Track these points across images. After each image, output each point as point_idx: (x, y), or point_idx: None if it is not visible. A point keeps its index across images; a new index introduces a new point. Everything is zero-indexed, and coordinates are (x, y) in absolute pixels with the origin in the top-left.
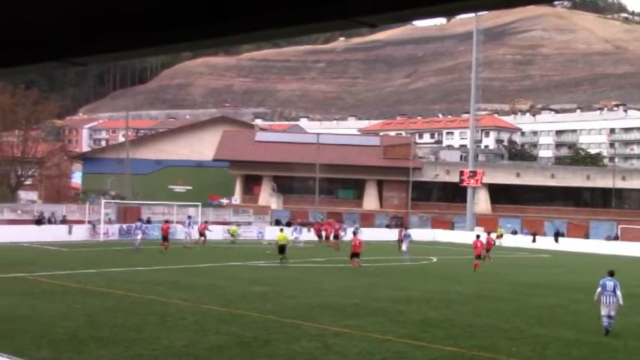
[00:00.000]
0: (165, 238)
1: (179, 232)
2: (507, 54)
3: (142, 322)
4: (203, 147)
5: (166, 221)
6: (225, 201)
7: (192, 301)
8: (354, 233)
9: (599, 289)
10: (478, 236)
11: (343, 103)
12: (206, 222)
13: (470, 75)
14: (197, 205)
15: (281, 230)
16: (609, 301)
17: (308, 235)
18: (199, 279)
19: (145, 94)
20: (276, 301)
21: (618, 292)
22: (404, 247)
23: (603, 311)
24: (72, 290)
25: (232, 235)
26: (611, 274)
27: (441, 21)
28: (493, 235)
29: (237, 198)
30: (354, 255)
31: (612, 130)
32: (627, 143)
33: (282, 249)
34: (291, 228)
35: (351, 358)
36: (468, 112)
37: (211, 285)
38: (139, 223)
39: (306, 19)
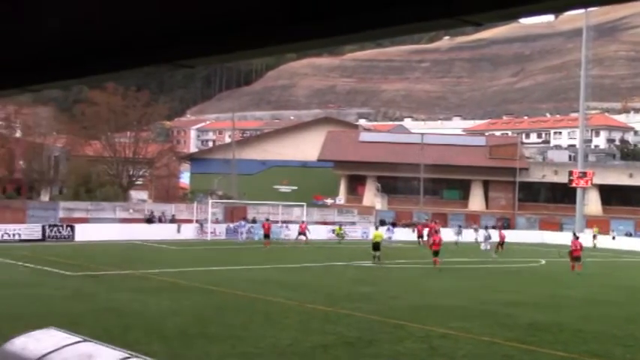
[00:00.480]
0: (267, 236)
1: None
2: (620, 50)
3: (247, 320)
4: (307, 147)
5: (267, 220)
6: (329, 201)
7: (297, 300)
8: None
9: None
10: (577, 237)
11: (448, 103)
12: (303, 222)
13: (579, 73)
14: (302, 205)
15: (376, 228)
16: None
17: (412, 235)
18: (304, 278)
19: (250, 96)
20: (380, 302)
21: None
22: (486, 247)
23: None
24: (180, 287)
25: (338, 235)
26: None
27: (548, 18)
28: (586, 236)
29: (341, 198)
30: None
31: None
32: None
33: (376, 246)
34: (385, 227)
35: None
36: (577, 111)
37: (316, 284)
38: (242, 222)
39: (412, 18)
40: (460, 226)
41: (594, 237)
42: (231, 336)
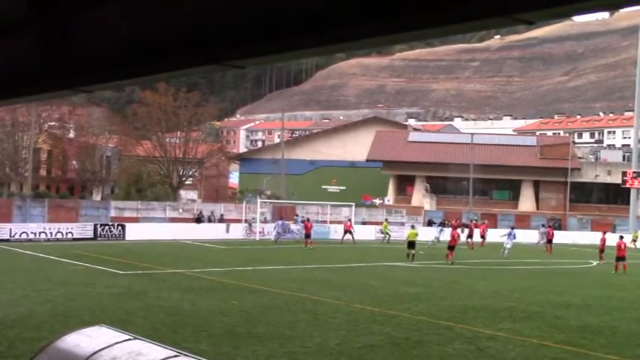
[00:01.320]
0: (307, 235)
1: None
2: None
3: (295, 319)
4: (356, 147)
5: (308, 219)
6: (378, 201)
7: (345, 300)
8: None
9: None
10: (622, 237)
11: (498, 103)
12: (350, 220)
13: (634, 71)
14: (350, 205)
15: (412, 227)
16: None
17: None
18: (352, 278)
19: (300, 96)
20: (428, 303)
21: None
22: (508, 245)
23: None
24: (229, 287)
25: (384, 233)
26: None
27: (602, 15)
28: (627, 239)
29: (390, 198)
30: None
31: None
32: None
33: (411, 245)
34: (435, 227)
35: None
36: (631, 110)
37: (364, 284)
38: (280, 222)
39: (465, 17)
40: (513, 227)
41: (634, 240)
42: (278, 335)
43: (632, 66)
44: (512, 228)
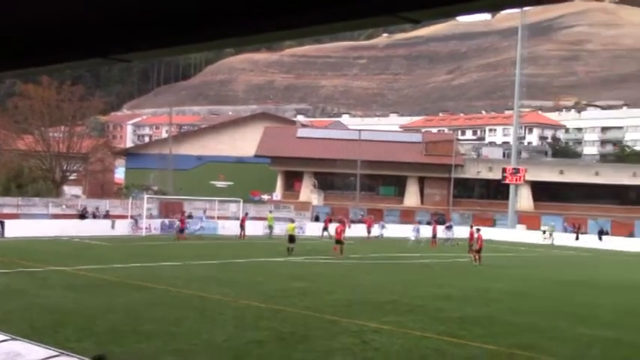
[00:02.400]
0: (182, 230)
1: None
2: (552, 50)
3: (181, 316)
4: (245, 143)
5: (182, 214)
6: (266, 197)
7: (232, 296)
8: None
9: None
10: (478, 229)
11: (385, 100)
12: (246, 214)
13: (514, 71)
14: (238, 201)
15: (291, 221)
16: None
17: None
18: (239, 274)
19: (188, 90)
20: (315, 297)
21: None
22: (412, 238)
23: None
24: (114, 284)
25: (270, 227)
26: None
27: (485, 16)
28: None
29: (278, 194)
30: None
31: None
32: None
33: (291, 239)
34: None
35: (389, 355)
36: (511, 109)
37: (251, 280)
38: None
39: (352, 15)
40: (419, 222)
41: (549, 235)
42: (164, 332)
43: (512, 66)
44: (419, 222)
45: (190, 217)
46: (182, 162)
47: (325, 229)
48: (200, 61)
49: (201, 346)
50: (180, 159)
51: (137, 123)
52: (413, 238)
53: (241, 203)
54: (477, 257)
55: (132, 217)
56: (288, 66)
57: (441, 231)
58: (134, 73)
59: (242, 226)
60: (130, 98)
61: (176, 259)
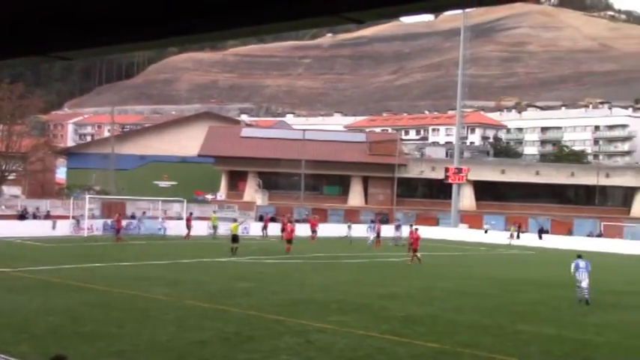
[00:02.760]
0: (118, 230)
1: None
2: (494, 51)
3: (124, 317)
4: (188, 142)
5: (119, 214)
6: (210, 197)
7: (175, 297)
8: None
9: (573, 267)
10: (417, 229)
11: (329, 99)
12: (191, 214)
13: (456, 72)
14: (182, 201)
15: (234, 220)
16: (582, 277)
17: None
18: (183, 274)
19: (131, 89)
20: (259, 297)
21: (589, 269)
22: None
23: (582, 285)
24: (54, 285)
25: (214, 227)
26: (580, 256)
27: (428, 17)
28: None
29: (222, 194)
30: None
31: (596, 128)
32: (611, 140)
33: (235, 238)
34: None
35: (334, 354)
36: (454, 109)
37: (195, 281)
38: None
39: (295, 15)
40: (372, 221)
41: (512, 235)
42: (107, 334)
43: (455, 67)
44: (372, 222)
45: (133, 217)
46: (125, 162)
47: (264, 228)
48: (143, 60)
49: (143, 347)
50: (123, 159)
51: (79, 122)
52: (372, 237)
53: (185, 203)
54: (413, 257)
55: (73, 217)
56: (231, 65)
57: (391, 230)
58: (76, 72)
59: (188, 226)
60: (72, 97)
61: (119, 260)
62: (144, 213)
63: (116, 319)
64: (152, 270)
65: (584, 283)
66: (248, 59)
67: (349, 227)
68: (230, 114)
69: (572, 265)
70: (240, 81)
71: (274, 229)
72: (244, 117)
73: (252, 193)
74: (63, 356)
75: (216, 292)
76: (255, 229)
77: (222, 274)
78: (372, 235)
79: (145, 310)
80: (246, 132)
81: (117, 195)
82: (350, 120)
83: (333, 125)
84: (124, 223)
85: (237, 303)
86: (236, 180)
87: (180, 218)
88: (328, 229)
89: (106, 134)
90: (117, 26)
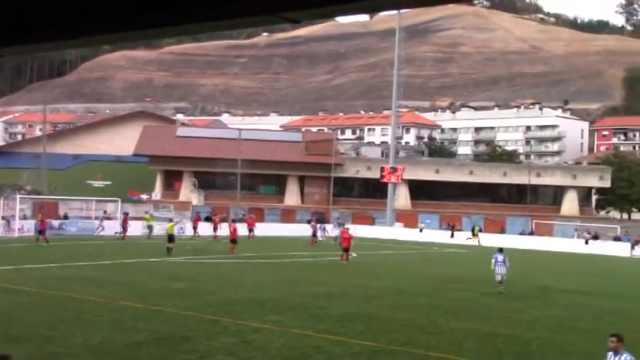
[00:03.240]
0: (41, 232)
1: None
2: (428, 52)
3: (56, 319)
4: (123, 142)
5: (42, 215)
6: (145, 196)
7: (109, 298)
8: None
9: (493, 261)
10: (347, 228)
11: (265, 99)
12: (126, 214)
13: (391, 72)
14: (116, 201)
15: (170, 220)
16: (500, 270)
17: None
18: (117, 275)
19: (64, 88)
20: (195, 297)
21: (507, 263)
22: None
23: (497, 278)
24: None
25: (148, 227)
26: (500, 250)
27: (363, 18)
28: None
29: (157, 193)
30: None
31: (528, 128)
32: (542, 140)
33: (170, 238)
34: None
35: (270, 354)
36: (389, 109)
37: (130, 281)
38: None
39: (232, 14)
40: (338, 218)
41: (475, 235)
42: (38, 336)
43: (390, 67)
44: (338, 219)
45: (66, 217)
46: (57, 161)
47: (195, 228)
48: (76, 58)
49: (76, 349)
50: (56, 158)
51: (9, 120)
52: (335, 236)
53: (119, 203)
54: (342, 255)
55: (3, 217)
56: (167, 64)
57: (331, 229)
58: (6, 69)
59: (124, 227)
60: (2, 95)
61: (51, 261)
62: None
63: (48, 321)
64: (85, 271)
65: (500, 277)
66: (183, 58)
67: (323, 230)
68: (165, 113)
69: (493, 259)
70: (175, 80)
71: (206, 228)
72: (180, 116)
73: (188, 192)
74: (7, 356)
75: (152, 292)
76: (191, 229)
77: (158, 275)
78: (335, 234)
79: (77, 311)
80: (181, 131)
81: (49, 195)
82: (286, 119)
83: (270, 125)
84: (56, 223)
85: (172, 303)
86: (171, 180)
87: (110, 218)
88: (293, 230)
89: (38, 133)
90: (49, 23)
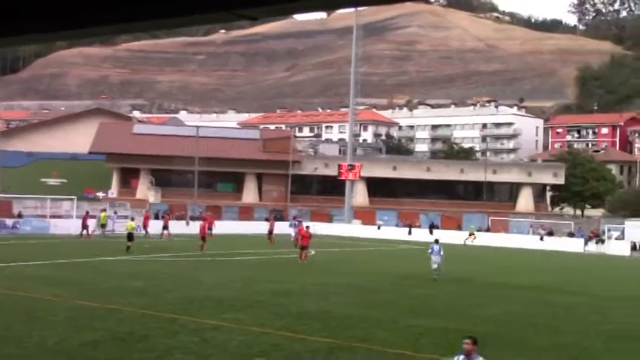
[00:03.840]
0: None
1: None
2: (385, 49)
3: (11, 319)
4: (78, 139)
5: None
6: (101, 194)
7: (65, 297)
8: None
9: (430, 251)
10: (307, 227)
11: (223, 96)
12: (87, 212)
13: (349, 69)
14: (72, 199)
15: (132, 219)
16: (436, 259)
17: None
18: (73, 274)
19: (17, 84)
20: (153, 296)
21: (442, 253)
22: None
23: (433, 266)
24: None
25: (102, 226)
26: (437, 241)
27: (321, 15)
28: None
29: (113, 191)
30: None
31: (484, 126)
32: (498, 138)
33: (130, 237)
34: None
35: (229, 352)
36: (347, 106)
37: (86, 280)
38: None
39: (189, 10)
40: (295, 217)
41: (471, 234)
42: None
43: (347, 64)
44: (295, 218)
45: (20, 216)
46: (11, 159)
47: (145, 227)
48: (29, 54)
49: (31, 349)
50: (9, 156)
51: None
52: (293, 234)
53: (75, 201)
54: (302, 254)
55: None
56: (123, 61)
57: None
58: None
59: (84, 226)
60: None
61: (5, 261)
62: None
63: (2, 321)
64: (41, 270)
65: (436, 265)
66: (140, 55)
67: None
68: (122, 110)
69: (430, 250)
70: (131, 77)
71: (156, 226)
72: (136, 113)
73: (145, 190)
74: None
75: (109, 291)
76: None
77: (115, 273)
78: (293, 232)
79: (32, 311)
80: (138, 128)
81: (2, 193)
82: (244, 117)
83: (227, 122)
84: (10, 222)
85: (130, 302)
86: (128, 177)
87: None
88: (251, 227)
89: None
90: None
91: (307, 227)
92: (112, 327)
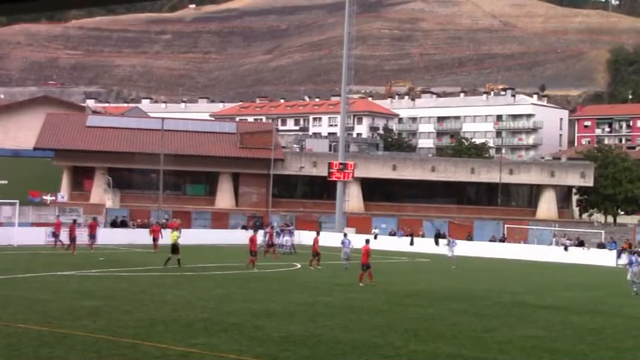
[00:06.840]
0: None
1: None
2: (384, 28)
3: None
4: (21, 133)
5: None
6: (49, 198)
7: (5, 320)
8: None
9: (341, 244)
10: (367, 241)
11: (193, 83)
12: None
13: (341, 52)
14: (14, 203)
15: (176, 228)
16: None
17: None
18: (14, 292)
19: None
20: (110, 318)
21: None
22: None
23: (344, 256)
24: None
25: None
26: (345, 235)
27: None
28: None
29: (64, 194)
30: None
31: (499, 118)
32: (515, 132)
33: (174, 248)
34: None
35: None
36: (338, 95)
37: (30, 299)
38: None
39: None
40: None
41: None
42: None
43: (339, 46)
44: (286, 224)
45: None
46: None
47: (56, 235)
48: None
49: None
50: None
51: None
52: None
53: (17, 205)
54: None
55: None
56: (75, 41)
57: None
58: None
59: (55, 235)
60: None
61: None
62: None
63: None
64: None
65: (346, 255)
66: (95, 34)
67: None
68: (73, 99)
69: (341, 243)
70: (85, 59)
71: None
72: (90, 102)
73: (101, 193)
74: None
75: (57, 312)
76: (103, 236)
77: (64, 291)
78: (289, 242)
79: None
80: (92, 120)
81: None
82: (218, 107)
83: (198, 113)
84: None
85: (82, 325)
86: (81, 178)
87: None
88: (226, 237)
89: None
90: None
91: (367, 241)
92: (61, 355)
